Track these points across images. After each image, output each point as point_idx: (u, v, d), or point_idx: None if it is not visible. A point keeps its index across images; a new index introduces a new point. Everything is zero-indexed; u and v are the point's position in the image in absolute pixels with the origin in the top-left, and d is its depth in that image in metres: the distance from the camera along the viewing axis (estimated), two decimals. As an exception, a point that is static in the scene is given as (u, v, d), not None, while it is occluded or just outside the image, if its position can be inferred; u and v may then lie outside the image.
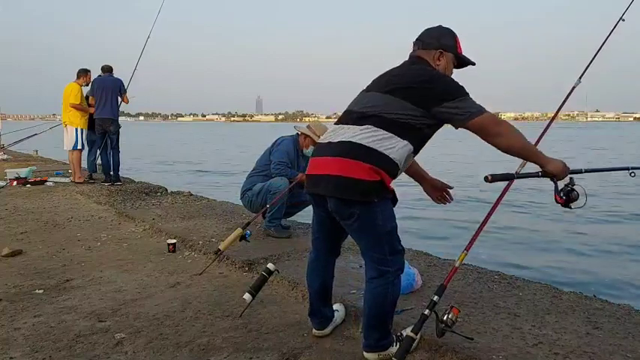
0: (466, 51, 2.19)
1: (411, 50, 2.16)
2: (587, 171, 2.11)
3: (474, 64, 2.20)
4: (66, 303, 2.79)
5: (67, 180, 7.73)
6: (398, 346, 2.01)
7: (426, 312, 1.95)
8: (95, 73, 7.53)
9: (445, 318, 1.92)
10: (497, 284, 2.98)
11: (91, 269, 3.41)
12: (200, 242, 3.98)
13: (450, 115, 1.90)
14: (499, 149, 1.93)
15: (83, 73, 7.47)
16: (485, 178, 1.93)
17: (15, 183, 7.43)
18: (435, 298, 1.97)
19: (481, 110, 1.89)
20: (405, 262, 2.33)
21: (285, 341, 2.31)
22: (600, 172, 2.29)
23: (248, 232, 3.39)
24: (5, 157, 12.36)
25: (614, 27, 2.69)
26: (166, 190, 7.13)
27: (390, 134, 1.91)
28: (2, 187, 7.21)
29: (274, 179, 4.07)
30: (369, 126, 1.93)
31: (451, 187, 2.40)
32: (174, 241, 3.93)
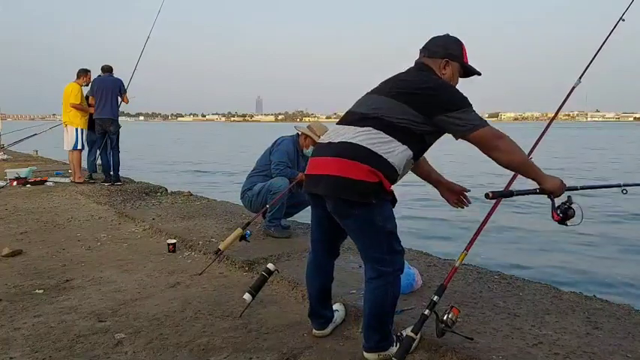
0: (466, 50, 2.19)
1: (417, 57, 2.16)
2: (582, 188, 2.17)
3: (479, 74, 2.20)
4: (66, 303, 2.79)
5: (67, 180, 7.73)
6: (398, 346, 2.01)
7: (426, 312, 1.95)
8: (95, 73, 7.54)
9: (445, 318, 1.93)
10: (497, 284, 2.98)
11: (91, 269, 3.41)
12: (200, 242, 3.98)
13: (452, 125, 1.91)
14: (498, 163, 1.95)
15: (83, 73, 7.47)
16: (487, 195, 1.99)
17: (15, 183, 7.43)
18: (435, 298, 1.98)
19: (483, 124, 1.91)
20: (405, 262, 2.33)
21: (285, 341, 2.31)
22: (595, 188, 2.35)
23: (248, 232, 3.40)
24: (5, 157, 12.36)
25: (614, 27, 2.69)
26: (166, 190, 7.13)
27: (391, 138, 1.91)
28: (2, 187, 7.21)
29: (274, 179, 4.07)
30: (370, 128, 1.93)
31: (468, 191, 2.38)
32: (174, 241, 3.93)
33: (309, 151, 4.11)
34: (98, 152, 7.54)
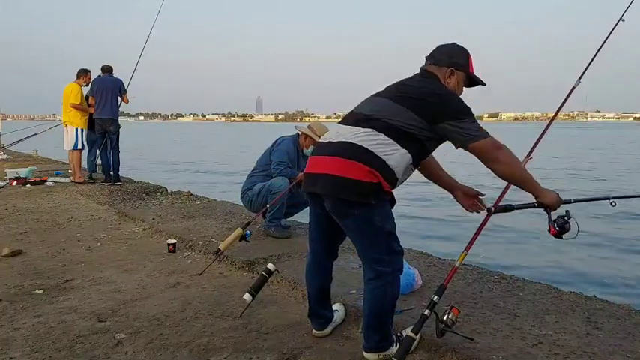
0: (472, 60, 2.19)
1: (422, 62, 2.16)
2: (575, 201, 2.24)
3: (484, 84, 2.21)
4: (66, 303, 2.79)
5: (67, 180, 7.73)
6: (398, 346, 2.01)
7: (426, 312, 1.95)
8: (95, 73, 7.54)
9: (445, 318, 1.93)
10: (497, 284, 2.98)
11: (91, 269, 3.41)
12: (200, 242, 3.98)
13: (453, 134, 1.92)
14: (497, 175, 1.97)
15: (83, 73, 7.47)
16: (489, 210, 2.12)
17: (15, 183, 7.43)
18: (435, 298, 1.98)
19: (484, 135, 1.92)
20: (405, 262, 2.32)
21: (285, 341, 2.31)
22: (586, 201, 2.41)
23: (248, 232, 3.40)
24: (5, 157, 12.36)
25: (614, 27, 2.69)
26: (166, 190, 7.13)
27: (391, 140, 1.91)
28: (2, 187, 7.21)
29: (274, 179, 4.07)
30: (371, 129, 1.94)
31: (482, 195, 2.36)
32: (174, 241, 3.93)
33: (309, 151, 4.11)
34: (98, 152, 7.55)
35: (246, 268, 3.35)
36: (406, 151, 1.93)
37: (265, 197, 4.05)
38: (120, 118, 7.43)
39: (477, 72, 2.18)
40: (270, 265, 2.68)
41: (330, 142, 2.02)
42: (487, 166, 1.95)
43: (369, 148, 1.90)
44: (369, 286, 2.03)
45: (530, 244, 6.63)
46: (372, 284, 2.01)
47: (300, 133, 4.27)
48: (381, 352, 2.07)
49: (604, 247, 6.51)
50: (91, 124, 7.48)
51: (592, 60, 2.66)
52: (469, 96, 2.17)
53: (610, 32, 2.68)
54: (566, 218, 2.10)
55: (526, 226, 7.52)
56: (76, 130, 7.36)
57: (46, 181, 7.61)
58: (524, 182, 2.00)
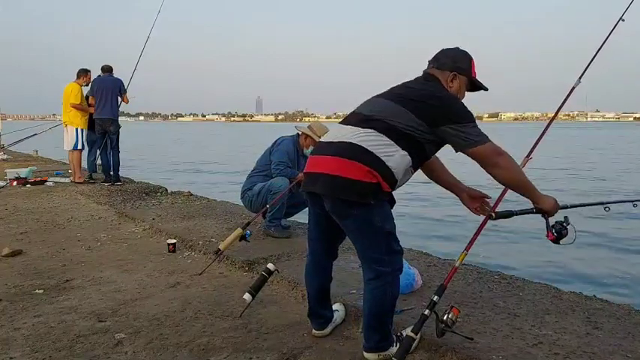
0: (475, 65, 2.19)
1: (426, 67, 2.16)
2: (572, 206, 2.27)
3: (486, 89, 2.21)
4: (66, 303, 2.79)
5: (67, 180, 7.73)
6: (398, 346, 2.01)
7: (426, 312, 1.95)
8: (95, 73, 7.54)
9: (445, 318, 1.93)
10: (497, 284, 2.98)
11: (91, 269, 3.41)
12: (200, 242, 3.98)
13: (454, 138, 1.92)
14: (497, 180, 1.98)
15: (83, 73, 7.47)
16: (490, 216, 2.13)
17: (15, 183, 7.43)
18: (435, 298, 1.98)
19: (484, 140, 1.92)
20: (405, 262, 2.32)
21: (285, 341, 2.31)
22: (583, 206, 2.42)
23: (248, 232, 3.40)
24: (5, 157, 12.36)
25: (614, 27, 2.69)
26: (166, 190, 7.13)
27: (391, 141, 1.91)
28: (2, 187, 7.21)
29: (275, 179, 4.07)
30: (372, 130, 1.94)
31: (489, 197, 2.34)
32: (174, 241, 3.93)
33: (309, 151, 4.11)
34: (98, 152, 7.54)
35: (246, 268, 3.35)
36: (406, 152, 1.93)
37: (265, 197, 4.05)
38: (120, 118, 7.43)
39: (478, 73, 2.18)
40: (270, 265, 2.68)
41: (330, 142, 2.02)
42: (487, 171, 1.95)
43: (369, 148, 1.90)
44: (368, 286, 2.03)
45: (530, 244, 6.63)
46: (372, 284, 2.01)
47: (300, 133, 4.27)
48: (381, 352, 2.07)
49: (604, 247, 6.51)
50: (91, 124, 7.48)
51: (592, 60, 2.66)
52: (469, 96, 2.18)
53: (610, 32, 2.68)
54: (564, 224, 2.11)
55: (526, 227, 7.52)
56: (76, 130, 7.36)
57: (46, 181, 7.61)
58: (523, 188, 2.00)
